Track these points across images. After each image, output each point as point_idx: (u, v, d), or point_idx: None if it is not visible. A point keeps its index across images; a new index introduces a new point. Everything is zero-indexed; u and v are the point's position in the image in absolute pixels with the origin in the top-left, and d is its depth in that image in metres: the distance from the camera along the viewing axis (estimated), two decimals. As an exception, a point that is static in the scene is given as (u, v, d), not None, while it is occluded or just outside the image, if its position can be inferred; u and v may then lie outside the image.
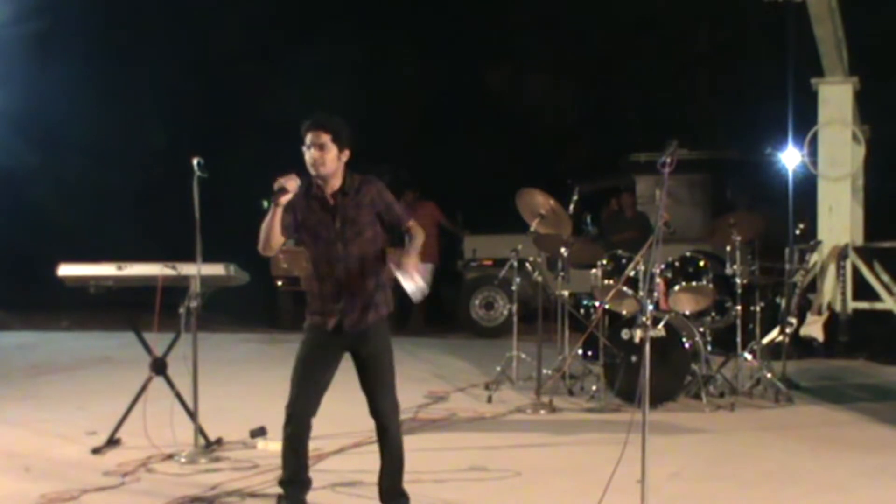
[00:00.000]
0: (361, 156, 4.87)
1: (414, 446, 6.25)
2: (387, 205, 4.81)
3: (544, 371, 8.16)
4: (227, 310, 12.38)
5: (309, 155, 4.72)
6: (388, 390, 4.82)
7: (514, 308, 8.74)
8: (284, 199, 4.66)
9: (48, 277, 6.66)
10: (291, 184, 4.66)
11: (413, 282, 4.71)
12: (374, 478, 4.90)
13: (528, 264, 8.79)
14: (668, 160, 4.38)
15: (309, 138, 4.72)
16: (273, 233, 4.72)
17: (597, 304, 8.63)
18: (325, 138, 4.69)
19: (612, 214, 12.60)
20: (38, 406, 8.09)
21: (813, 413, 7.85)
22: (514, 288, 8.67)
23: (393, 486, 4.88)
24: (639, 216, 12.21)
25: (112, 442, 6.44)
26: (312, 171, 4.74)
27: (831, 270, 11.00)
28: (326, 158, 4.70)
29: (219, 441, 6.44)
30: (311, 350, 4.83)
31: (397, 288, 4.86)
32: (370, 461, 4.92)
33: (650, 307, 4.44)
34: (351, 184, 4.78)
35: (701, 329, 8.20)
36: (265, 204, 4.71)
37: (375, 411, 4.82)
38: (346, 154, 4.78)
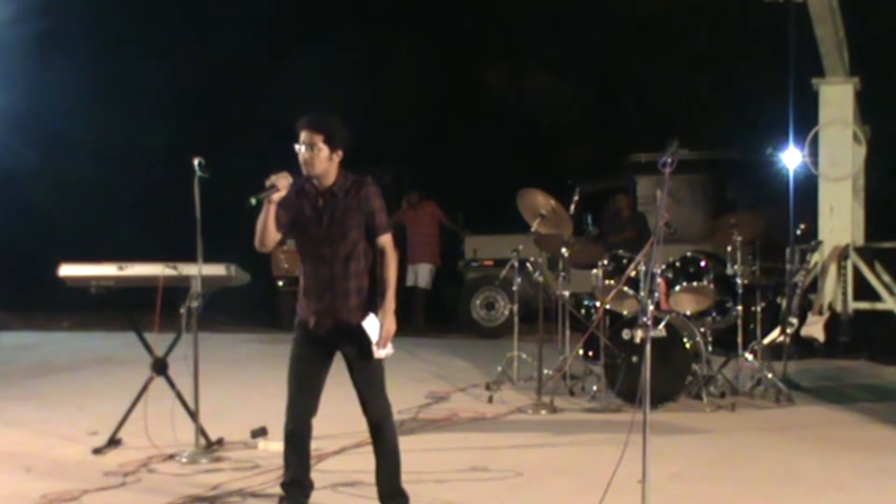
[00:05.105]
0: (363, 156, 4.87)
1: (414, 446, 6.27)
2: (371, 211, 4.77)
3: (545, 371, 8.16)
4: (228, 310, 12.38)
5: (300, 154, 4.74)
6: (377, 389, 4.80)
7: (515, 308, 8.74)
8: (276, 196, 4.67)
9: (49, 278, 6.66)
10: (283, 182, 4.66)
11: (382, 348, 4.71)
12: (374, 478, 4.89)
13: (528, 264, 8.80)
14: (670, 160, 4.39)
15: (301, 137, 4.74)
16: (268, 230, 4.74)
17: (597, 304, 8.63)
18: (317, 139, 4.70)
19: (610, 215, 12.61)
20: (39, 406, 8.09)
21: (814, 413, 7.85)
22: (514, 288, 8.67)
23: (391, 485, 4.87)
24: (636, 216, 12.20)
25: (113, 442, 6.44)
26: (304, 171, 4.76)
27: (832, 271, 10.98)
28: (316, 159, 4.71)
29: (220, 441, 6.44)
30: (301, 348, 4.85)
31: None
32: (370, 461, 4.91)
33: (651, 307, 4.44)
34: (343, 184, 4.78)
35: (702, 329, 8.20)
36: (252, 202, 4.67)
37: (367, 411, 4.82)
38: (340, 154, 4.77)
